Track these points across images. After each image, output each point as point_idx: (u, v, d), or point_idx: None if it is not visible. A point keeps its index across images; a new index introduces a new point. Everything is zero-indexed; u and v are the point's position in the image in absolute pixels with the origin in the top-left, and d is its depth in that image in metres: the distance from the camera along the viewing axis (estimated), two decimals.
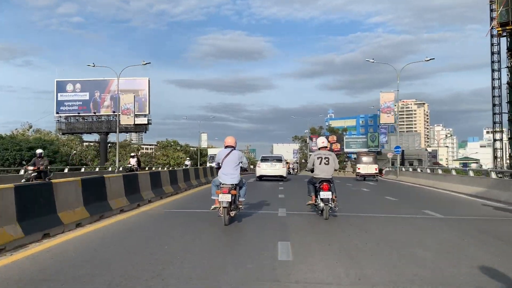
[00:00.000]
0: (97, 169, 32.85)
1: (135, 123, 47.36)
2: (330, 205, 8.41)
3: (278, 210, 10.07)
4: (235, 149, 8.16)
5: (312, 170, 8.85)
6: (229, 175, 7.82)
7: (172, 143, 75.40)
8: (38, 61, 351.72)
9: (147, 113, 47.68)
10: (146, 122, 47.62)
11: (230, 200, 7.57)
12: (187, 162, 39.48)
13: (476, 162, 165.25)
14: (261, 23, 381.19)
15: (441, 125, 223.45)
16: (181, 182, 15.75)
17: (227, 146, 8.17)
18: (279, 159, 23.38)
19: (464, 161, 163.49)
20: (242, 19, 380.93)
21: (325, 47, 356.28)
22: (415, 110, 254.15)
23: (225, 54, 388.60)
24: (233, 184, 7.77)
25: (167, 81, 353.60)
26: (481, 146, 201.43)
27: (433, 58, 35.90)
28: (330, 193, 8.36)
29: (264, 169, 22.69)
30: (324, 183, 8.42)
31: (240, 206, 8.32)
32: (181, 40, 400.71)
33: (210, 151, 56.46)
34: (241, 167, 8.11)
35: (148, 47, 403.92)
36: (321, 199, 8.40)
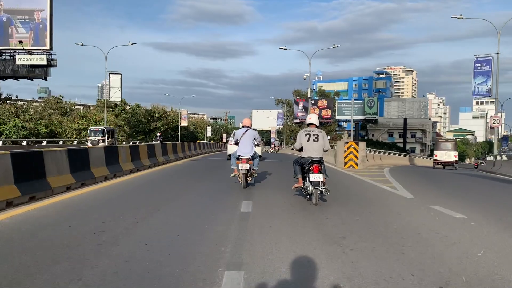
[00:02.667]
0: None
1: (30, 63, 29.57)
2: (320, 188, 7.47)
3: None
4: (250, 128, 9.99)
5: (300, 150, 8.01)
6: (246, 148, 9.65)
7: (117, 103, 58.02)
8: None
9: (48, 48, 29.87)
10: (45, 63, 29.73)
11: (248, 168, 9.44)
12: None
13: (472, 134, 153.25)
14: None
15: (433, 93, 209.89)
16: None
17: (244, 126, 10.14)
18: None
19: (459, 133, 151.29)
20: None
21: (308, 13, 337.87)
22: (403, 78, 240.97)
23: (204, 16, 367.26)
24: (249, 156, 9.59)
25: (144, 44, 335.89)
26: (473, 117, 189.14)
27: None
28: (321, 175, 7.47)
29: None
30: (315, 164, 7.54)
31: (254, 174, 10.07)
32: (158, 0, 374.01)
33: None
34: (255, 143, 9.91)
35: (124, 7, 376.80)
36: (311, 182, 7.52)
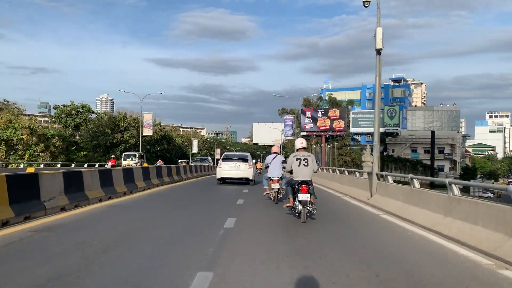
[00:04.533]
0: None
1: None
2: (308, 207, 8.21)
3: None
4: (278, 154, 12.33)
5: (290, 172, 8.77)
6: (275, 171, 11.75)
7: (79, 108, 46.19)
8: (12, 35, 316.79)
9: None
10: None
11: (278, 187, 11.56)
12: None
13: (493, 150, 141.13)
14: (245, 1, 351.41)
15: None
16: None
17: (273, 152, 12.62)
18: (244, 159, 20.38)
19: (479, 148, 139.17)
20: None
21: (309, 29, 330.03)
22: (412, 90, 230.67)
23: (207, 33, 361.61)
24: (279, 177, 11.63)
25: (147, 60, 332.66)
26: (490, 131, 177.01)
27: None
28: (308, 195, 8.18)
29: (226, 170, 19.83)
30: (303, 185, 8.26)
31: (283, 192, 11.77)
32: (161, 17, 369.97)
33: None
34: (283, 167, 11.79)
35: (128, 24, 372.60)
36: (299, 202, 8.24)
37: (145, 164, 28.11)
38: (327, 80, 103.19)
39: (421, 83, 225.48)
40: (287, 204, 8.85)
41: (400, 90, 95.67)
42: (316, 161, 9.09)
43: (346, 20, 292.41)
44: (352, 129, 70.43)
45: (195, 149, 60.02)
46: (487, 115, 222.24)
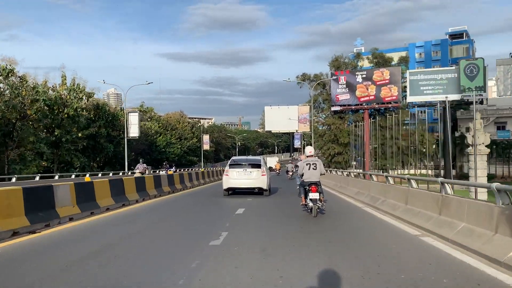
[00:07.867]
0: None
1: None
2: (318, 204, 9.85)
3: None
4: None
5: (302, 175, 10.33)
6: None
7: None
8: (25, 35, 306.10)
9: None
10: None
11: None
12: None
13: None
14: None
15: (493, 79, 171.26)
16: None
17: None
18: (256, 164, 17.18)
19: None
20: None
21: (321, 16, 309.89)
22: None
23: (217, 24, 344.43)
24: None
25: (158, 55, 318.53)
26: None
27: None
28: (317, 194, 9.81)
29: (234, 178, 16.79)
30: (313, 186, 9.85)
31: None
32: (170, 11, 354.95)
33: None
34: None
35: (138, 20, 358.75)
36: (310, 200, 9.86)
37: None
38: (358, 41, 79.11)
39: None
40: (301, 203, 10.53)
41: (462, 47, 71.75)
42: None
43: (358, 4, 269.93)
44: (410, 98, 46.96)
45: (134, 130, 36.91)
46: None
